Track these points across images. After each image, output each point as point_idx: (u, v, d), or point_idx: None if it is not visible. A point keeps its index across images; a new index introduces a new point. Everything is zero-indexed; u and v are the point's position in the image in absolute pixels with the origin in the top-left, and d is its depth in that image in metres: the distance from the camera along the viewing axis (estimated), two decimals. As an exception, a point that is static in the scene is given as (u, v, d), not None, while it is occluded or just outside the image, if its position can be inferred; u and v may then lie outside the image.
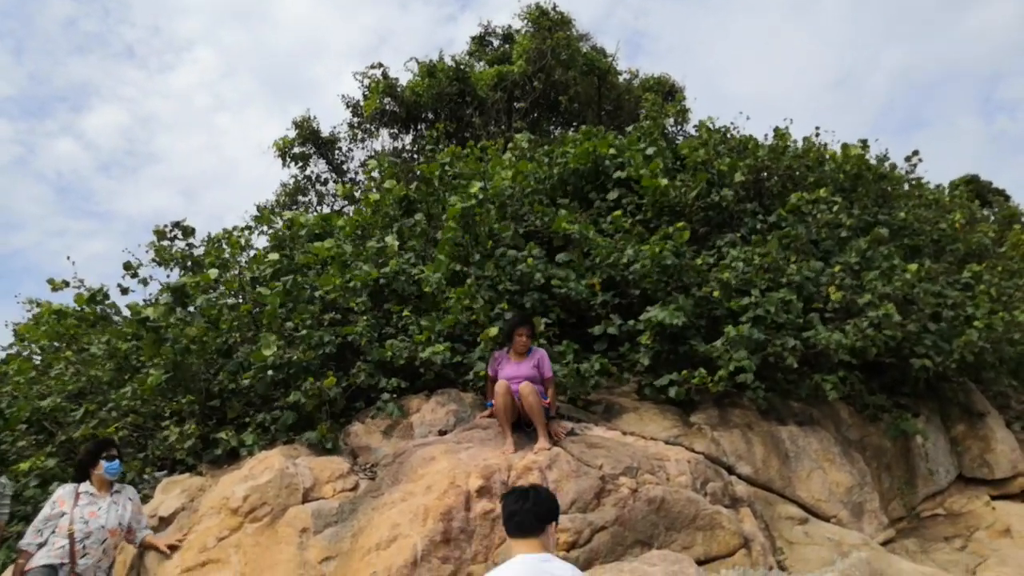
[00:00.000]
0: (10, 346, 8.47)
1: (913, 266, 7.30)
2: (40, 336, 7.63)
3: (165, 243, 8.10)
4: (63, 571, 4.38)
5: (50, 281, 7.32)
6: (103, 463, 4.71)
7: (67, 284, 7.39)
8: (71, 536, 4.43)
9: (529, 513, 2.73)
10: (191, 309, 6.59)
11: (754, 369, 6.07)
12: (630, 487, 4.84)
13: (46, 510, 4.54)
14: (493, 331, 6.12)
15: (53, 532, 4.45)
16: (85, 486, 4.68)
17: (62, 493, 4.62)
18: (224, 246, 8.27)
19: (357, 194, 12.83)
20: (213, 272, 7.11)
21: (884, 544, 5.74)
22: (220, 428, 6.03)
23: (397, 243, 7.57)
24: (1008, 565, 5.83)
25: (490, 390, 5.68)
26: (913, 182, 11.01)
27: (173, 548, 4.89)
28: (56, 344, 7.86)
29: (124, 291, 7.68)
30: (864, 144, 9.96)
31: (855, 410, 7.12)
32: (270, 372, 5.91)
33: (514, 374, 5.39)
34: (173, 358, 5.92)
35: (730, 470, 5.81)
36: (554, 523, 2.79)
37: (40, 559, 4.37)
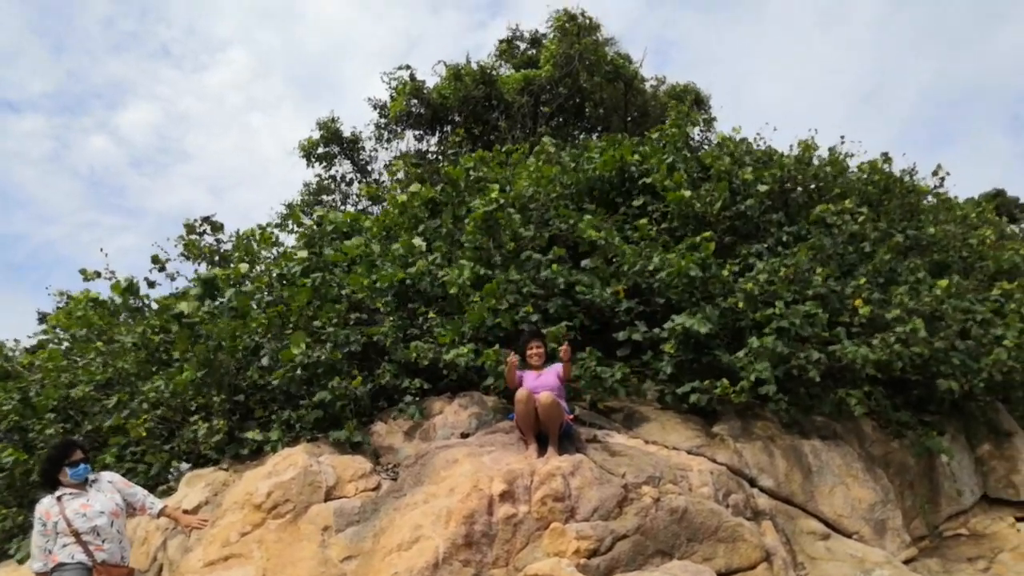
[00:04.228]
0: (44, 332, 8.56)
1: (944, 282, 7.20)
2: (72, 325, 7.74)
3: (194, 237, 8.23)
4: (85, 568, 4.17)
5: (82, 271, 7.49)
6: (67, 470, 4.32)
7: (99, 275, 7.54)
8: (76, 534, 4.18)
9: None
10: (220, 302, 6.66)
11: (775, 381, 6.03)
12: (652, 496, 4.83)
13: (38, 528, 4.24)
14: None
15: (56, 539, 4.18)
16: (60, 491, 4.33)
17: (43, 507, 4.28)
18: (253, 242, 8.35)
19: (381, 194, 12.88)
20: (243, 266, 7.19)
21: (906, 563, 5.67)
22: (245, 423, 6.10)
23: (424, 244, 7.60)
24: (1033, 588, 5.74)
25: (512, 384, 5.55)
26: (940, 197, 10.85)
27: (195, 529, 4.66)
28: (86, 333, 7.95)
29: (151, 284, 7.82)
30: (886, 157, 9.84)
31: (879, 426, 7.04)
32: (298, 371, 5.96)
33: (534, 385, 5.37)
34: (206, 355, 5.97)
35: (752, 482, 5.77)
36: None
37: (65, 561, 4.13)
